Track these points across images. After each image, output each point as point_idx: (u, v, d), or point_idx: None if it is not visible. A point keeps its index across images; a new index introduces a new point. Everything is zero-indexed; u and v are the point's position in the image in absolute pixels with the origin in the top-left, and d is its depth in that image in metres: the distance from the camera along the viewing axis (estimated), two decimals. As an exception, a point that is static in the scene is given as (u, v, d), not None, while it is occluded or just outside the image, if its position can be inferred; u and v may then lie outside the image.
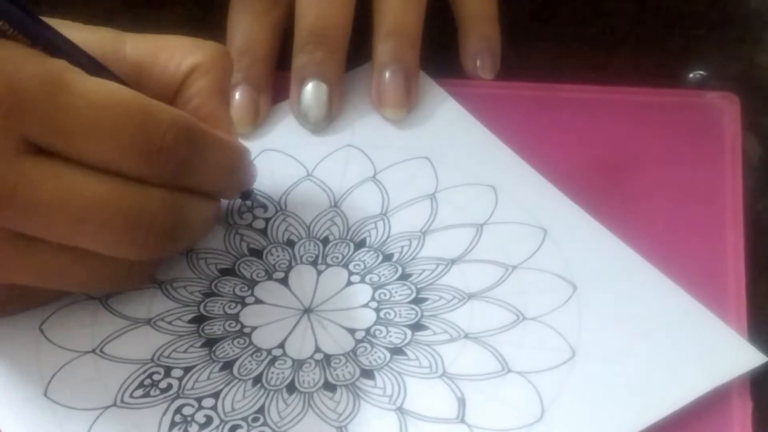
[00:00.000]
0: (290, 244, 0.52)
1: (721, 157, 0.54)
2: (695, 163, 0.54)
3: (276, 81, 0.57)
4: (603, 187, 0.53)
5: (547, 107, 0.56)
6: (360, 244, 0.52)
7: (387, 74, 0.55)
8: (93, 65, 0.45)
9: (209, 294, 0.50)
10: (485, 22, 0.58)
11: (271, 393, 0.47)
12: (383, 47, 0.55)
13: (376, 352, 0.48)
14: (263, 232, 0.52)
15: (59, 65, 0.43)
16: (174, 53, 0.48)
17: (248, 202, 0.52)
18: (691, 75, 0.58)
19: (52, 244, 0.44)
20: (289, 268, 0.51)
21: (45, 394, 0.47)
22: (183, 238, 0.47)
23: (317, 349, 0.48)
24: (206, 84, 0.48)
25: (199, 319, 0.49)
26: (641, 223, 0.51)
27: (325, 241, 0.52)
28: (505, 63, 0.58)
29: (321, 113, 0.55)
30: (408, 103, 0.55)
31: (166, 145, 0.44)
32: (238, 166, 0.49)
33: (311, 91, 0.54)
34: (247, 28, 0.56)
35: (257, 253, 0.51)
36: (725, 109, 0.56)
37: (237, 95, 0.55)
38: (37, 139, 0.43)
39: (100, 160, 0.43)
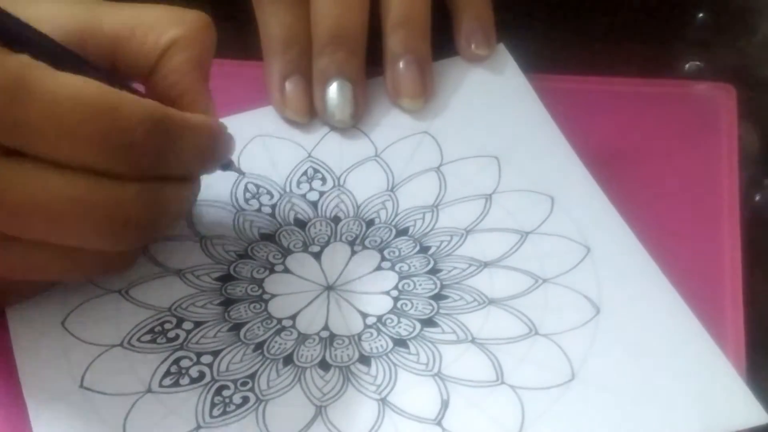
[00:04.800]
0: (335, 220, 0.52)
1: (718, 147, 0.54)
2: (691, 154, 0.54)
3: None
4: (599, 178, 0.52)
5: (542, 98, 0.55)
6: (402, 232, 0.51)
7: (401, 65, 0.55)
8: (63, 54, 0.44)
9: (243, 256, 0.51)
10: (477, 3, 0.57)
11: (268, 361, 0.47)
12: (394, 38, 0.55)
13: (380, 340, 0.48)
14: (314, 204, 0.53)
15: (21, 62, 0.41)
16: (152, 26, 0.47)
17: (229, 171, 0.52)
18: (687, 65, 0.57)
19: (31, 240, 0.44)
20: (327, 243, 0.51)
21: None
22: (161, 225, 0.47)
23: (325, 327, 0.48)
24: (184, 59, 0.47)
25: (226, 278, 0.50)
26: (637, 214, 0.51)
27: (370, 223, 0.52)
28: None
29: (347, 112, 0.54)
30: (425, 93, 0.55)
31: (138, 140, 0.43)
32: (214, 146, 0.48)
33: (336, 91, 0.54)
34: (286, 18, 0.55)
35: (301, 224, 0.52)
36: (721, 100, 0.55)
37: (293, 86, 0.55)
38: (2, 140, 0.42)
39: (71, 159, 0.42)
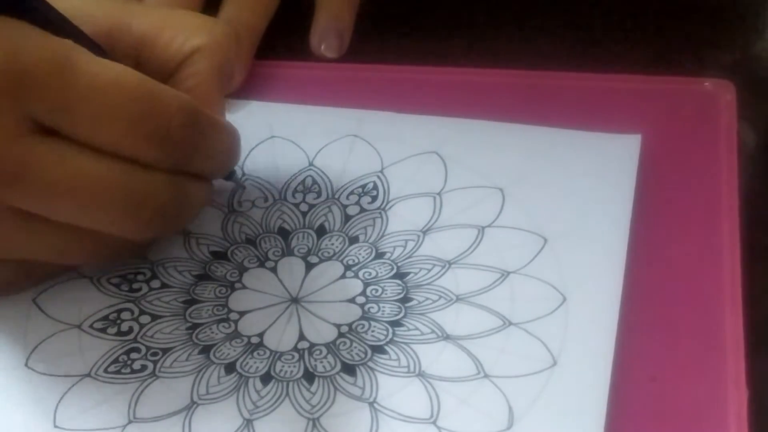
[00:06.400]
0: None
1: (717, 143, 0.54)
2: (690, 150, 0.54)
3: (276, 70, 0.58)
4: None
5: (540, 95, 0.56)
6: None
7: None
8: (95, 49, 0.45)
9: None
10: (337, 2, 0.59)
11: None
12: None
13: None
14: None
15: (66, 44, 0.43)
16: (180, 31, 0.49)
17: (231, 183, 0.53)
18: (687, 64, 0.57)
19: (57, 222, 0.44)
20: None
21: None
22: (183, 220, 0.48)
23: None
24: (205, 67, 0.48)
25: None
26: (636, 210, 0.51)
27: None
28: (497, 50, 0.58)
29: None
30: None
31: (173, 131, 0.44)
32: (233, 150, 0.49)
33: None
34: None
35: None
36: (721, 96, 0.56)
37: None
38: (43, 118, 0.42)
39: (107, 142, 0.43)
